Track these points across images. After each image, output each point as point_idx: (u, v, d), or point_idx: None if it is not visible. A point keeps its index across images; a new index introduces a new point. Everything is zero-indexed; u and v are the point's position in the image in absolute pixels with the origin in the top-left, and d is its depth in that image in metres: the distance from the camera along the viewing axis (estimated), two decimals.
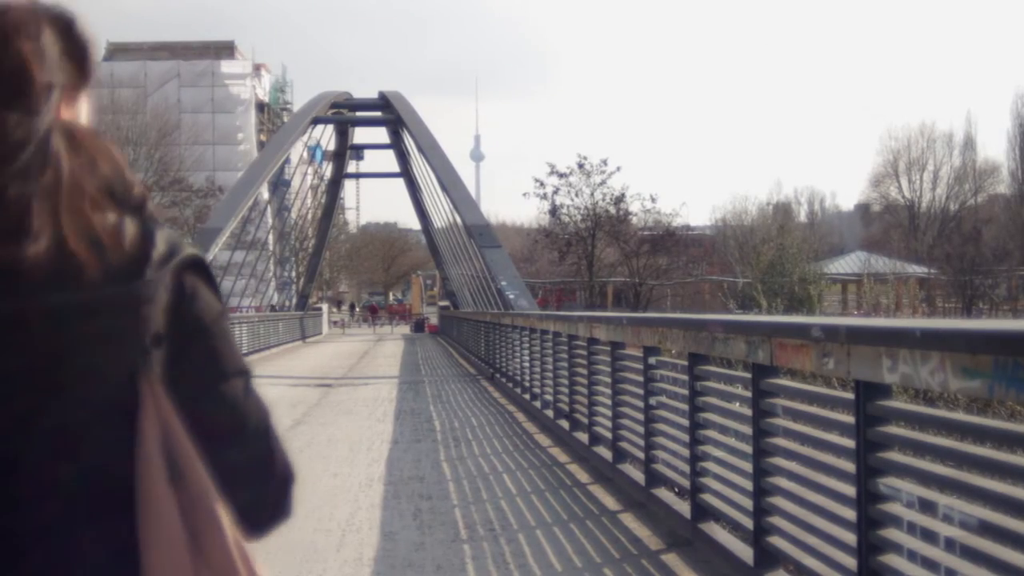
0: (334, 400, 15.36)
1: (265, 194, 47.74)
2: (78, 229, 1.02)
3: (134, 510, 1.04)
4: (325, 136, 56.71)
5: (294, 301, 58.29)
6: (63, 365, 1.02)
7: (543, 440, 10.28)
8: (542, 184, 47.15)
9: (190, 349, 1.11)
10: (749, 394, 4.82)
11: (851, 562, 3.68)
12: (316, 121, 48.35)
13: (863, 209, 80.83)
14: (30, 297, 1.00)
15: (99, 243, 1.02)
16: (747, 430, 4.83)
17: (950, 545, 3.11)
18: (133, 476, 1.05)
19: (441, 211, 46.05)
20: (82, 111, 1.15)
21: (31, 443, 1.01)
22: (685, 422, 5.87)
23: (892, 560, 3.45)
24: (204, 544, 1.06)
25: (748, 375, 4.85)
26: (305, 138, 49.62)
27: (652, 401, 6.71)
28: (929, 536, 3.24)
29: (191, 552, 1.05)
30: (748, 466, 4.79)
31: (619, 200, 46.57)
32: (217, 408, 1.12)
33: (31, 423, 1.01)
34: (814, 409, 4.34)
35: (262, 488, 1.16)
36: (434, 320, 51.42)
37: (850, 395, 3.75)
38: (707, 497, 5.48)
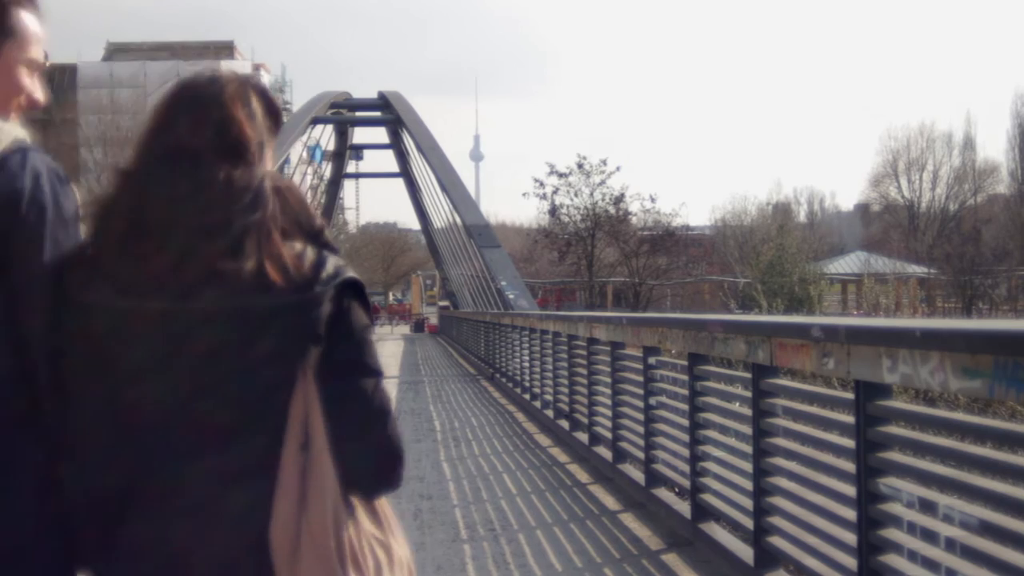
0: None
1: None
2: (272, 255, 1.44)
3: (264, 464, 1.44)
4: (325, 136, 56.71)
5: None
6: (255, 346, 1.44)
7: (543, 440, 10.28)
8: (542, 184, 47.18)
9: (339, 350, 1.48)
10: (749, 394, 4.82)
11: (851, 562, 3.68)
12: (316, 121, 48.37)
13: (863, 209, 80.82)
14: (244, 299, 1.43)
15: (285, 266, 1.44)
16: (747, 430, 4.83)
17: (950, 545, 3.12)
18: (281, 435, 1.44)
19: (441, 211, 46.05)
20: (269, 157, 1.55)
21: (250, 395, 1.45)
22: (685, 422, 5.87)
23: (892, 560, 3.45)
24: (309, 505, 1.43)
25: (748, 375, 4.85)
26: (305, 138, 49.63)
27: (652, 401, 6.71)
28: (929, 536, 3.24)
29: (299, 508, 1.42)
30: (748, 466, 4.79)
31: (619, 200, 46.59)
32: (352, 398, 1.49)
33: (250, 385, 1.44)
34: (814, 409, 4.34)
35: (373, 464, 1.53)
36: (434, 320, 51.42)
37: (850, 395, 3.75)
38: (707, 497, 5.48)
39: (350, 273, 1.52)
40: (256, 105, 1.57)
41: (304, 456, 1.44)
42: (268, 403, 1.45)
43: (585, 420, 8.96)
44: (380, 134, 59.38)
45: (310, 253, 1.49)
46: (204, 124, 1.51)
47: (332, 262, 1.51)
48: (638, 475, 7.02)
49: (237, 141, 1.51)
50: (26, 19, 1.65)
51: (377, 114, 53.48)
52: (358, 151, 65.93)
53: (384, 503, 1.62)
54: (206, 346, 1.44)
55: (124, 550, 1.47)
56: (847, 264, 62.04)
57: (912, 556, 3.32)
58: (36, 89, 1.81)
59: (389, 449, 1.55)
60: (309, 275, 1.46)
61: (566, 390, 10.04)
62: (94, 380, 1.46)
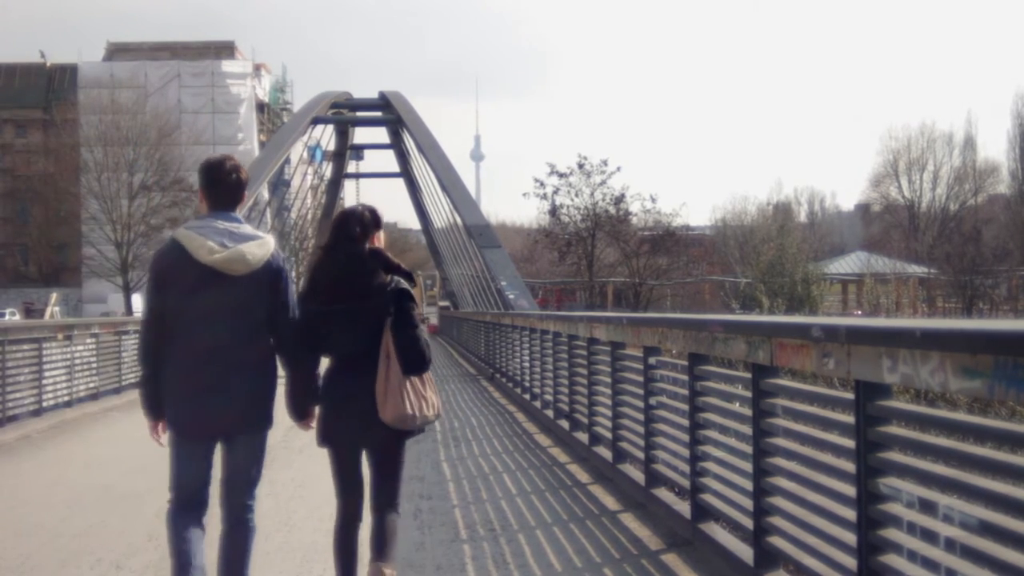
0: None
1: (265, 194, 47.67)
2: (373, 282, 4.12)
3: (376, 361, 4.08)
4: (325, 136, 56.71)
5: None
6: (372, 317, 4.09)
7: (543, 440, 10.28)
8: (542, 184, 47.15)
9: (400, 315, 4.09)
10: (749, 394, 4.81)
11: (851, 562, 3.68)
12: (316, 121, 48.36)
13: (863, 209, 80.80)
14: (367, 300, 4.11)
15: (378, 285, 4.11)
16: (747, 430, 4.83)
17: (950, 545, 3.11)
18: (378, 349, 4.09)
19: (441, 211, 46.05)
20: (381, 237, 4.28)
21: (371, 335, 4.10)
22: (685, 422, 5.87)
23: (892, 560, 3.45)
24: (389, 377, 4.05)
25: (748, 375, 4.85)
26: (305, 138, 49.62)
27: (652, 401, 6.71)
28: (929, 536, 3.23)
29: (385, 378, 4.05)
30: (748, 466, 4.78)
31: (619, 200, 46.55)
32: (406, 336, 4.07)
33: (371, 331, 4.09)
34: (814, 409, 4.33)
35: (414, 362, 4.08)
36: (434, 320, 51.38)
37: (850, 395, 3.75)
38: (707, 497, 5.48)
39: (402, 285, 4.12)
40: (367, 217, 4.25)
41: (387, 359, 4.07)
42: (377, 338, 4.07)
43: (585, 420, 8.95)
44: (380, 134, 59.38)
45: (388, 278, 4.13)
46: (353, 226, 4.19)
47: (397, 281, 4.13)
48: (638, 475, 7.01)
49: (363, 235, 4.19)
50: None
51: (378, 114, 53.47)
52: (358, 151, 65.88)
53: (429, 375, 4.19)
54: (358, 320, 4.09)
55: (338, 391, 4.16)
56: (847, 264, 62.03)
57: (912, 556, 3.32)
58: None
59: (421, 358, 4.10)
60: (386, 287, 4.11)
61: (566, 390, 10.03)
62: (320, 331, 4.11)
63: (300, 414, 4.20)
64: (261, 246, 3.96)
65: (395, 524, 4.34)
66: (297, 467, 8.39)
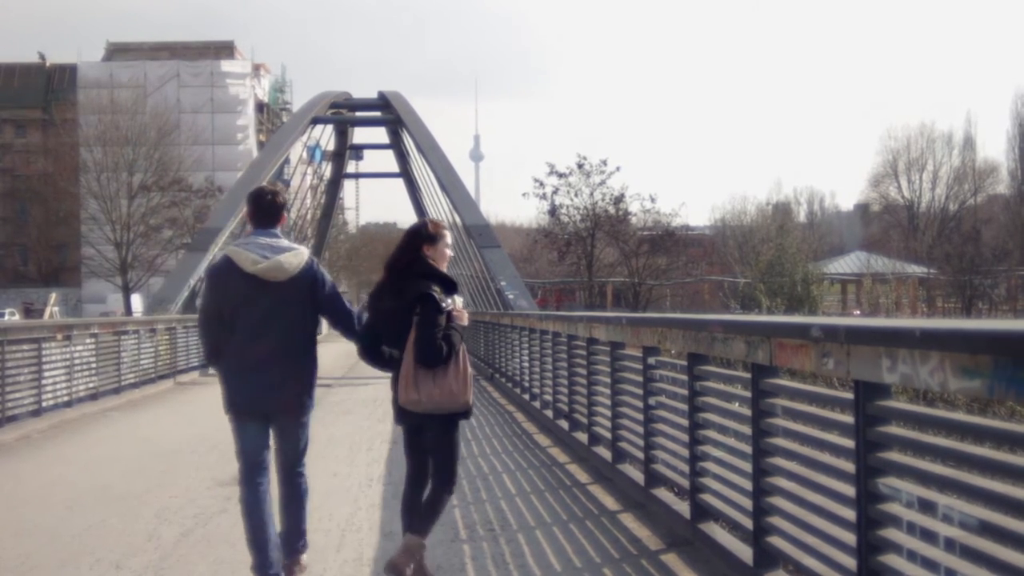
0: (333, 400, 15.35)
1: None
2: (410, 287, 4.75)
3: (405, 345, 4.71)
4: (325, 136, 56.61)
5: None
6: (406, 316, 4.69)
7: (543, 440, 10.28)
8: (542, 184, 47.15)
9: (420, 315, 4.67)
10: (749, 394, 4.81)
11: (851, 562, 3.68)
12: (316, 121, 48.28)
13: (863, 209, 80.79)
14: (407, 302, 4.72)
15: (413, 289, 4.72)
16: (747, 430, 4.83)
17: (950, 545, 3.11)
18: (407, 335, 4.68)
19: (441, 211, 45.99)
20: (439, 246, 4.91)
21: (402, 330, 4.69)
22: (685, 422, 5.87)
23: (892, 560, 3.45)
24: (407, 366, 4.65)
25: (748, 375, 4.85)
26: (304, 138, 49.55)
27: (652, 401, 6.71)
28: (929, 536, 3.23)
29: (406, 368, 4.66)
30: (748, 466, 4.78)
31: (619, 200, 46.55)
32: (418, 334, 4.66)
33: (401, 327, 4.69)
34: (814, 409, 4.33)
35: (422, 355, 4.67)
36: None
37: (850, 395, 3.75)
38: (707, 497, 5.48)
39: (426, 290, 4.69)
40: (424, 231, 4.94)
41: (408, 351, 4.66)
42: (407, 329, 4.66)
43: (585, 420, 8.95)
44: (380, 134, 59.28)
45: (423, 285, 4.72)
46: (409, 241, 4.91)
47: (428, 287, 4.71)
48: (637, 475, 7.01)
49: (413, 246, 4.89)
50: None
51: (377, 114, 53.38)
52: (358, 151, 65.80)
53: (464, 358, 4.73)
54: (396, 318, 4.72)
55: (392, 378, 4.85)
56: (847, 264, 62.03)
57: (912, 556, 3.32)
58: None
59: (426, 354, 4.62)
60: (420, 292, 4.69)
61: (565, 390, 10.03)
62: (381, 321, 4.84)
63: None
64: (296, 256, 4.81)
65: (438, 505, 4.86)
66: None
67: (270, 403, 4.80)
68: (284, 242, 4.86)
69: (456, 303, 4.79)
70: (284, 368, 4.77)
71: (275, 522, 4.83)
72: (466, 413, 4.78)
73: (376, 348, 4.85)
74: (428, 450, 4.86)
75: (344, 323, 4.96)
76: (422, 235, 4.88)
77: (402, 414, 4.81)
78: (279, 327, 4.76)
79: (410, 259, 4.82)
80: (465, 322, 4.80)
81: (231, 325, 4.75)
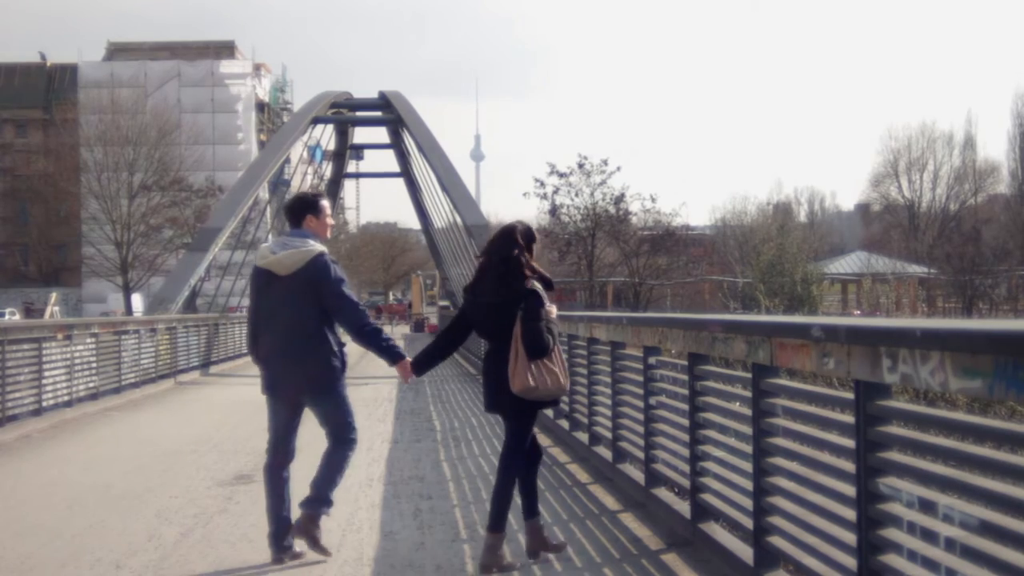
0: None
1: (265, 194, 47.65)
2: (515, 284, 5.16)
3: (508, 341, 5.09)
4: (325, 136, 56.60)
5: None
6: (506, 310, 5.11)
7: (543, 440, 10.24)
8: (542, 184, 47.01)
9: (525, 311, 5.08)
10: (749, 394, 4.81)
11: (851, 562, 3.68)
12: (316, 121, 48.25)
13: (863, 209, 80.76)
14: (502, 298, 5.17)
15: (514, 286, 5.16)
16: (747, 430, 4.83)
17: (950, 545, 3.11)
18: (511, 332, 5.08)
19: (441, 211, 46.02)
20: (534, 248, 5.30)
21: (505, 328, 5.10)
22: (685, 422, 5.87)
23: (892, 560, 3.45)
24: (518, 353, 5.04)
25: (748, 375, 4.85)
26: (305, 138, 49.52)
27: (652, 401, 6.71)
28: (929, 536, 3.23)
29: (515, 353, 5.05)
30: (748, 466, 4.78)
31: (619, 200, 46.45)
32: (526, 328, 5.07)
33: (501, 320, 5.14)
34: (814, 409, 4.33)
35: (531, 348, 5.09)
36: (434, 320, 51.39)
37: (850, 395, 3.75)
38: (707, 497, 5.47)
39: (533, 288, 5.12)
40: (521, 230, 5.32)
41: (516, 343, 5.03)
42: (507, 323, 5.08)
43: (585, 420, 8.95)
44: (381, 134, 59.29)
45: (529, 283, 5.14)
46: (510, 240, 5.25)
47: (532, 284, 5.14)
48: (638, 475, 7.01)
49: (516, 245, 5.23)
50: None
51: (378, 114, 53.35)
52: (358, 151, 65.82)
53: (559, 350, 5.16)
54: (497, 312, 5.14)
55: (485, 366, 5.36)
56: (847, 264, 61.98)
57: (912, 556, 3.32)
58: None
59: (535, 346, 5.02)
60: (528, 288, 5.12)
61: None
62: (470, 317, 5.38)
63: (415, 367, 5.48)
64: (297, 253, 5.26)
65: (508, 491, 5.27)
66: (297, 467, 8.36)
67: (284, 389, 5.34)
68: (297, 241, 5.32)
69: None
70: (288, 358, 5.25)
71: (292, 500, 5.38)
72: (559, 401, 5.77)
73: (450, 342, 5.51)
74: (506, 433, 5.34)
75: (344, 319, 5.33)
76: (526, 236, 5.28)
77: (496, 403, 5.27)
78: (284, 318, 5.24)
79: (512, 257, 5.19)
80: (555, 318, 5.25)
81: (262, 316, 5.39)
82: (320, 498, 5.34)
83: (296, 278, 5.22)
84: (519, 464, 5.26)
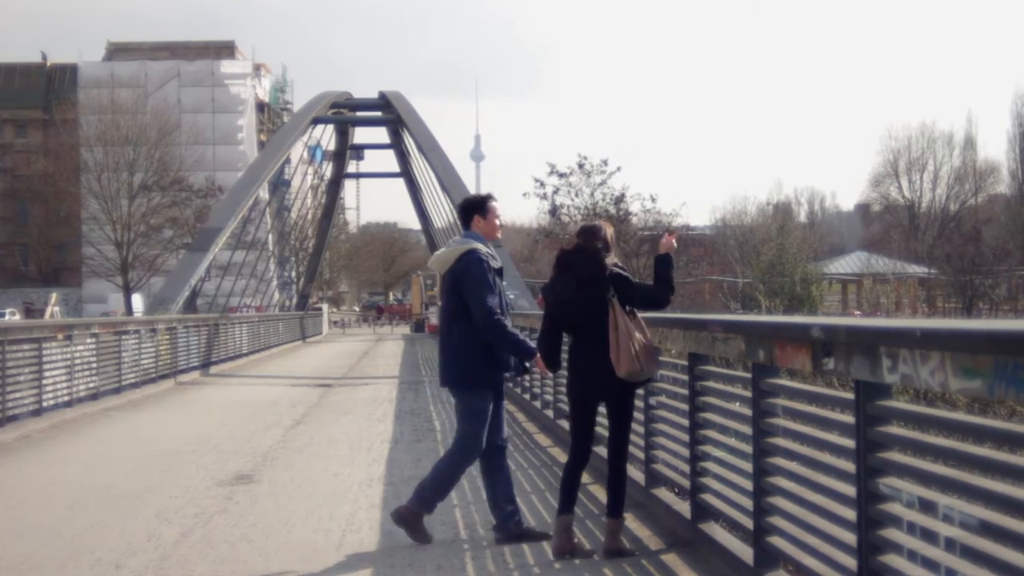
0: (334, 400, 15.36)
1: (265, 194, 47.66)
2: (597, 273, 5.38)
3: (605, 328, 5.28)
4: (325, 136, 56.65)
5: (294, 301, 58.18)
6: (594, 302, 5.31)
7: (543, 440, 10.28)
8: (542, 184, 46.96)
9: (625, 289, 5.37)
10: (749, 394, 4.81)
11: (851, 562, 3.68)
12: (316, 121, 48.30)
13: (863, 209, 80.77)
14: (588, 291, 5.36)
15: (598, 279, 5.35)
16: (747, 430, 4.83)
17: (950, 545, 3.11)
18: (605, 320, 5.27)
19: (441, 211, 46.02)
20: (612, 254, 5.47)
21: (593, 319, 5.32)
22: (685, 422, 5.87)
23: (892, 560, 3.45)
24: (620, 343, 5.22)
25: (748, 375, 4.85)
26: (305, 138, 49.58)
27: (652, 401, 6.71)
28: (929, 536, 3.23)
29: (616, 345, 5.23)
30: (748, 466, 4.78)
31: (619, 200, 46.44)
32: (640, 294, 5.49)
33: (589, 311, 5.34)
34: (814, 409, 4.33)
35: (654, 301, 5.60)
36: (434, 320, 51.34)
37: (850, 395, 3.75)
38: (707, 497, 5.47)
39: (616, 271, 5.37)
40: (608, 231, 5.64)
41: (615, 330, 5.24)
42: (597, 311, 5.29)
43: None
44: (381, 134, 59.35)
45: (608, 268, 5.37)
46: (594, 238, 5.45)
47: (612, 262, 5.40)
48: (638, 475, 7.01)
49: (601, 243, 5.44)
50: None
51: (378, 114, 53.40)
52: (359, 151, 65.84)
53: (642, 324, 5.43)
54: (582, 303, 5.35)
55: (580, 359, 5.46)
56: (847, 264, 61.99)
57: (912, 556, 3.32)
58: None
59: (658, 298, 5.50)
60: (612, 272, 5.37)
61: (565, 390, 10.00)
62: (559, 312, 5.52)
63: (547, 362, 5.64)
64: (446, 251, 5.72)
65: (624, 478, 5.53)
66: (297, 467, 8.38)
67: (444, 377, 5.85)
68: (456, 240, 5.80)
69: None
70: (444, 351, 5.77)
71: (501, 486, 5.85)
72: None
73: (554, 340, 5.64)
74: (613, 421, 5.49)
75: (474, 313, 5.55)
76: (600, 236, 5.51)
77: (584, 389, 5.48)
78: (443, 312, 5.86)
79: (592, 253, 5.41)
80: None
81: None
82: (505, 520, 5.83)
83: (448, 275, 5.68)
84: (628, 440, 5.62)
